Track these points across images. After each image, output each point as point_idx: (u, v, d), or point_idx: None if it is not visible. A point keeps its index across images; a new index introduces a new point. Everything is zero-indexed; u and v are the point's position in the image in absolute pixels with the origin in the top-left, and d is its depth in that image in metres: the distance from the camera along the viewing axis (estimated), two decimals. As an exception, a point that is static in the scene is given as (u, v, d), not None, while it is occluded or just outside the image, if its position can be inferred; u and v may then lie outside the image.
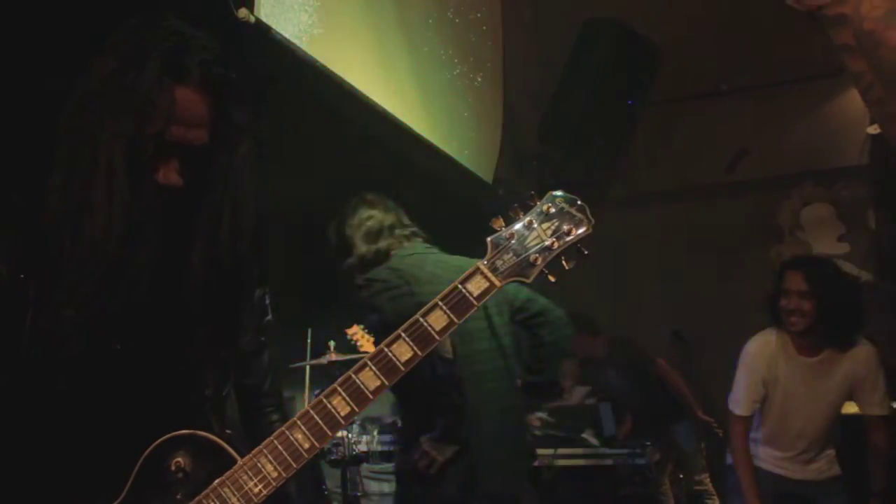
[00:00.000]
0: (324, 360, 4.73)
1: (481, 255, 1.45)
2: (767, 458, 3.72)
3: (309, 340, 5.18)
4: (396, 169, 4.96)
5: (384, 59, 4.70)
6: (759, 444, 3.74)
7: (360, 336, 4.56)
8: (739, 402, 3.68)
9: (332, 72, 4.00)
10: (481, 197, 6.00)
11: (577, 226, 1.43)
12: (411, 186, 5.16)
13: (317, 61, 3.86)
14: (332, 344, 4.91)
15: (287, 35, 3.65)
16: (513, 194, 6.41)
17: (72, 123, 1.36)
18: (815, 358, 3.59)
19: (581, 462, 5.31)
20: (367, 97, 4.36)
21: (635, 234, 6.67)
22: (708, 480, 5.91)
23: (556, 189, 1.48)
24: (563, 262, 1.44)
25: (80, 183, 1.32)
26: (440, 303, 1.40)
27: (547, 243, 1.42)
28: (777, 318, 3.62)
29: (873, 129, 4.40)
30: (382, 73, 4.66)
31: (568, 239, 1.43)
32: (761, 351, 3.68)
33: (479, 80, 5.98)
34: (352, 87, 4.20)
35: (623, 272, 6.39)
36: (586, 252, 1.44)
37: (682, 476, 5.89)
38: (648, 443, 5.30)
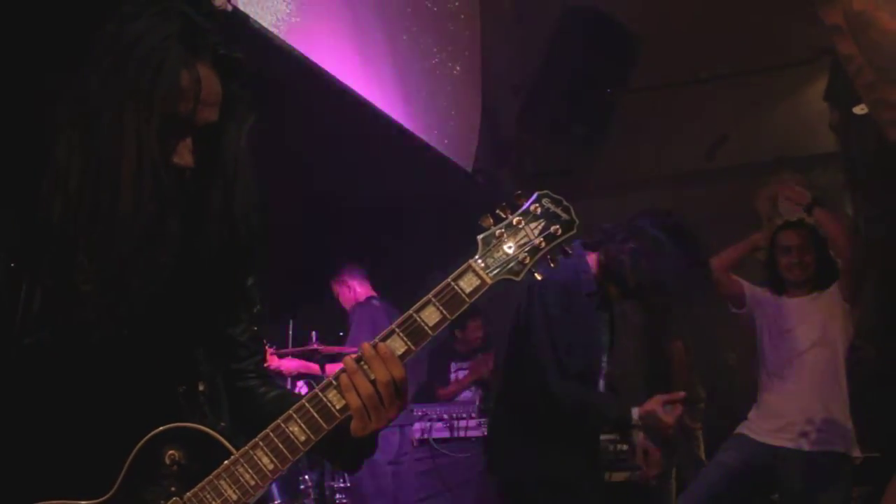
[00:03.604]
0: (307, 348, 4.75)
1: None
2: None
3: (290, 332, 5.17)
4: (375, 158, 4.94)
5: (362, 48, 4.69)
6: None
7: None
8: None
9: (310, 61, 3.98)
10: (460, 185, 6.00)
11: (564, 226, 1.47)
12: (390, 175, 5.15)
13: (294, 50, 3.84)
14: (314, 334, 4.91)
15: (265, 24, 3.63)
16: (492, 183, 6.40)
17: (82, 103, 1.33)
18: None
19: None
20: (346, 86, 4.34)
21: (615, 221, 6.67)
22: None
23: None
24: (550, 262, 1.48)
25: (103, 164, 1.30)
26: (433, 299, 1.41)
27: (535, 243, 1.45)
28: None
29: (860, 110, 4.35)
30: (360, 62, 4.64)
31: (556, 240, 1.46)
32: None
33: (458, 68, 5.96)
34: (330, 76, 4.18)
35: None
36: (570, 252, 1.49)
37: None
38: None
